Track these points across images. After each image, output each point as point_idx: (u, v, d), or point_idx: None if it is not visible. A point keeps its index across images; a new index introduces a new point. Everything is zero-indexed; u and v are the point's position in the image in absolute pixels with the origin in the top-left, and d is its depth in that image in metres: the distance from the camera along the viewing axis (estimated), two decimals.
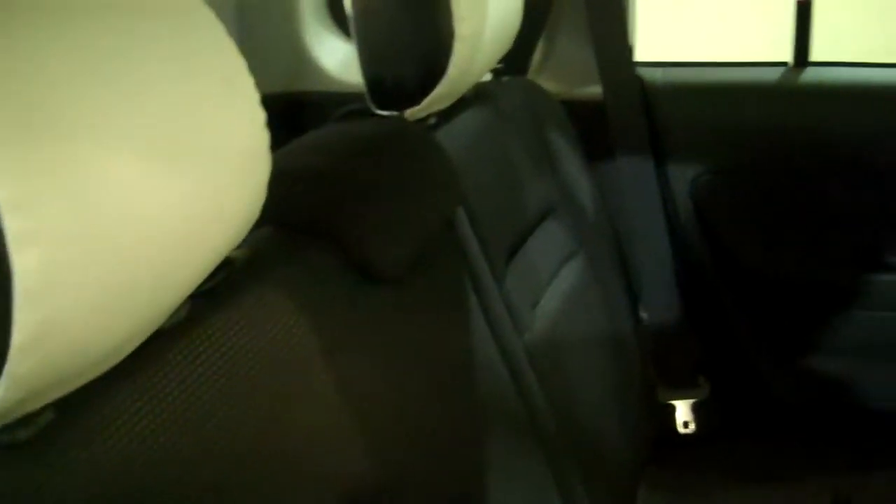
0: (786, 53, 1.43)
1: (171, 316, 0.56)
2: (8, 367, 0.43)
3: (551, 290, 1.21)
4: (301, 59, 1.63)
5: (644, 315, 1.55)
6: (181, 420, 0.56)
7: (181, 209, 0.49)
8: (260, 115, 0.57)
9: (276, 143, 0.60)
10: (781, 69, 1.44)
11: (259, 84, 0.57)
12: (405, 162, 0.89)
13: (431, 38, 1.00)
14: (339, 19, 1.65)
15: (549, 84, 1.47)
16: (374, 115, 1.07)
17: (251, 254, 0.66)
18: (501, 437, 0.99)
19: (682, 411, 1.54)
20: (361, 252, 0.77)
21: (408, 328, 0.83)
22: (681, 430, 1.53)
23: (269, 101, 0.58)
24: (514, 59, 1.44)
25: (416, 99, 1.03)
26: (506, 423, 1.02)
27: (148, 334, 0.54)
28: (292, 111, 1.57)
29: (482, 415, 0.96)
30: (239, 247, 0.60)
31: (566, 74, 1.52)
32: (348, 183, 0.80)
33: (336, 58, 1.64)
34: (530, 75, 1.53)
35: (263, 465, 0.61)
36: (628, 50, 1.44)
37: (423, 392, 0.84)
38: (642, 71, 1.47)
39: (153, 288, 0.50)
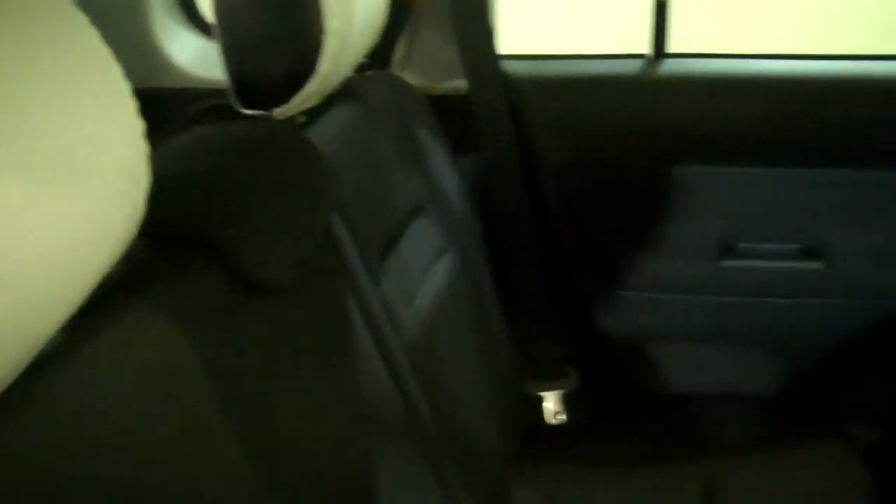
0: (645, 45, 1.46)
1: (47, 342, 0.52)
2: None
3: (424, 288, 1.20)
4: (149, 54, 1.55)
5: (513, 308, 1.55)
6: (62, 452, 0.53)
7: (58, 231, 0.45)
8: (138, 126, 0.52)
9: None
10: (640, 61, 1.46)
11: None
12: (283, 166, 0.85)
13: (300, 34, 0.96)
14: (190, 12, 1.58)
15: (412, 78, 1.45)
16: (237, 113, 1.02)
17: (127, 269, 0.62)
18: (385, 441, 0.98)
19: (553, 402, 1.55)
20: (242, 263, 0.73)
21: (291, 338, 0.80)
22: (552, 421, 1.55)
23: None
24: (377, 54, 1.41)
25: (284, 97, 0.99)
26: (389, 426, 1.01)
27: (24, 366, 0.49)
28: (143, 108, 1.49)
29: (366, 419, 0.94)
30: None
31: (430, 68, 1.50)
32: (225, 190, 0.76)
33: (188, 53, 1.57)
34: (393, 69, 1.50)
35: (149, 489, 0.58)
36: (492, 43, 1.43)
37: (308, 402, 0.82)
38: (506, 64, 1.46)
39: (27, 318, 0.45)
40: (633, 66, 1.46)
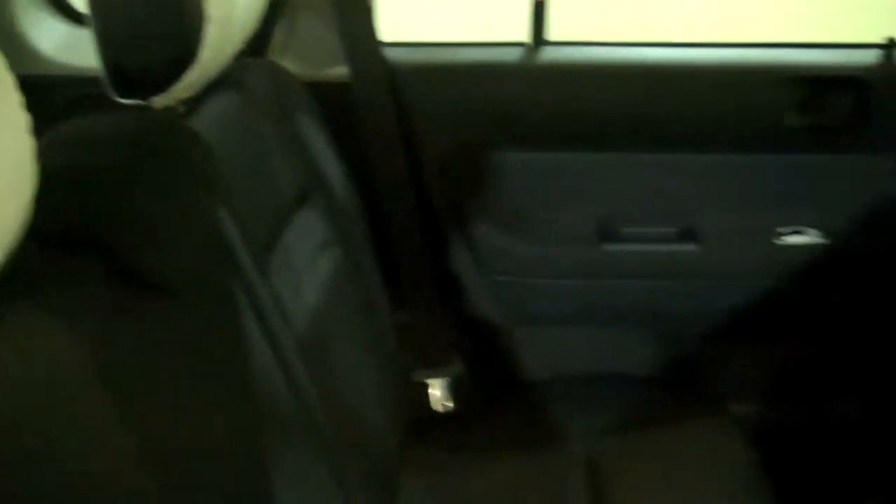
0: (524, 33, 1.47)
1: None
2: None
3: (311, 279, 1.18)
4: (10, 40, 1.48)
5: (398, 295, 1.54)
6: None
7: None
8: (22, 120, 0.49)
9: None
10: (520, 49, 1.47)
11: None
12: (168, 158, 0.82)
13: (180, 20, 0.93)
14: None
15: (291, 65, 1.42)
16: (112, 102, 0.98)
17: (9, 271, 0.58)
18: (277, 435, 0.96)
19: (439, 389, 1.56)
20: (131, 261, 0.70)
21: (182, 335, 0.78)
22: (439, 408, 1.55)
23: None
24: (255, 40, 1.38)
25: (163, 86, 0.95)
26: (281, 420, 0.99)
27: None
28: None
29: (258, 414, 0.92)
30: None
31: (310, 55, 1.48)
32: (110, 184, 0.73)
33: (52, 40, 1.50)
34: (272, 56, 1.47)
35: (36, 490, 0.56)
36: (373, 30, 1.41)
37: (200, 399, 0.79)
38: (388, 51, 1.45)
39: None
40: (512, 54, 1.47)
